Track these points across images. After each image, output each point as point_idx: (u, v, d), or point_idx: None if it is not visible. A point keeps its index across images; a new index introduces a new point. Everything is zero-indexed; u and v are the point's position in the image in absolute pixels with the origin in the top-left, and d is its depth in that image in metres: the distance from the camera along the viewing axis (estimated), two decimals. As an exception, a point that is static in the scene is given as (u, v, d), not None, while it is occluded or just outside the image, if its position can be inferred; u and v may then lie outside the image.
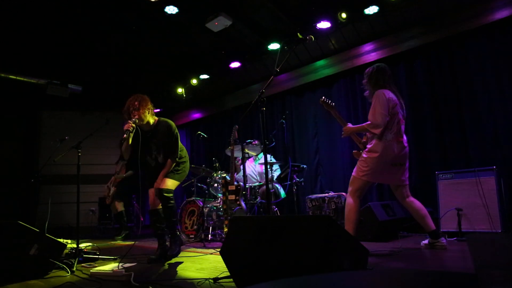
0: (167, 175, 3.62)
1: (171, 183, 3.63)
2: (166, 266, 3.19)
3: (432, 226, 3.34)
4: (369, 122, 3.29)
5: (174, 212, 3.65)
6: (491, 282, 0.67)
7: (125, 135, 3.40)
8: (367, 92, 3.51)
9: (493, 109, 4.61)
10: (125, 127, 3.39)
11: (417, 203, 3.37)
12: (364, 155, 3.36)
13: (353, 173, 3.42)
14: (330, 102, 3.58)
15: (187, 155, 3.95)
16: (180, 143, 3.76)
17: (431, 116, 5.12)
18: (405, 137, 3.39)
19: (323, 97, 3.62)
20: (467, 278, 0.82)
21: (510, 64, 4.52)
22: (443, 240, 3.33)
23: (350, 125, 3.51)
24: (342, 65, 6.04)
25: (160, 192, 3.55)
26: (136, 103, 3.52)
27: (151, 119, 3.64)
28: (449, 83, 5.01)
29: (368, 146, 3.37)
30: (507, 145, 4.44)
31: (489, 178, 4.03)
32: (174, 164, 3.65)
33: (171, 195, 3.62)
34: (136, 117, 3.48)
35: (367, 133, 3.49)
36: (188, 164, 3.92)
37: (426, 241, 3.45)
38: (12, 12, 5.27)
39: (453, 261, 2.92)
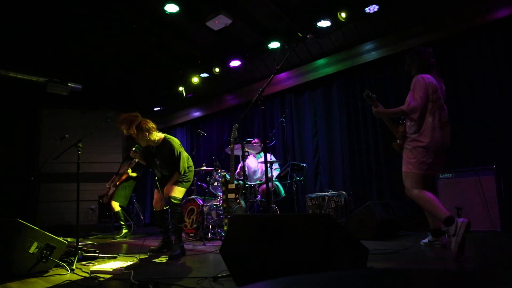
0: (176, 184, 3.91)
1: (179, 191, 3.92)
2: (166, 265, 3.19)
3: (439, 224, 3.24)
4: (405, 105, 3.12)
5: (181, 218, 3.91)
6: (491, 281, 0.67)
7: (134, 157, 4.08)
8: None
9: (493, 109, 4.60)
10: (131, 155, 4.07)
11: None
12: (409, 146, 3.16)
13: (403, 169, 3.20)
14: (373, 95, 3.31)
15: (192, 165, 4.24)
16: (185, 154, 4.12)
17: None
18: (448, 125, 3.21)
19: (367, 91, 3.33)
20: (467, 277, 0.82)
21: (510, 63, 4.51)
22: (443, 240, 3.31)
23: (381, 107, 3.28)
24: (342, 64, 6.03)
25: (169, 199, 3.87)
26: (132, 132, 3.81)
27: (155, 136, 3.98)
28: (449, 82, 5.01)
29: (412, 135, 3.16)
30: (507, 144, 4.44)
31: (489, 177, 4.03)
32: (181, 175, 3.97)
33: (179, 202, 3.91)
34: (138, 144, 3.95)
35: (405, 121, 3.30)
36: (193, 173, 4.23)
37: (425, 240, 3.44)
38: (13, 9, 5.27)
39: (452, 260, 2.92)
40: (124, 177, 6.17)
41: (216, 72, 6.91)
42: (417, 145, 3.10)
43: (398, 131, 3.38)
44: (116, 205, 6.09)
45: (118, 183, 6.17)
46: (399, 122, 3.42)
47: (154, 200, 4.09)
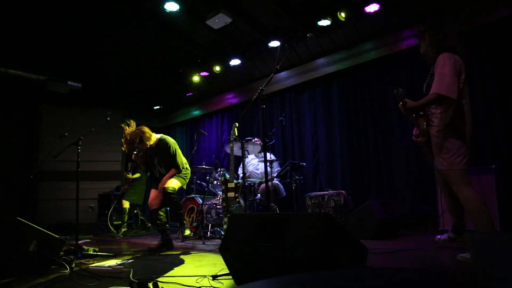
0: (172, 177, 4.11)
1: (175, 183, 4.10)
2: (166, 263, 3.19)
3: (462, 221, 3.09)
4: (435, 93, 2.68)
5: (178, 205, 4.12)
6: (489, 280, 0.67)
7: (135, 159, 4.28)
8: (426, 53, 2.97)
9: (491, 108, 4.60)
10: (133, 158, 4.29)
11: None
12: (445, 139, 2.72)
13: (440, 167, 2.83)
14: (403, 92, 2.92)
15: (188, 166, 4.44)
16: (181, 155, 4.29)
17: (431, 114, 5.12)
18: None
19: (398, 88, 2.92)
20: (466, 277, 0.82)
21: (508, 62, 4.51)
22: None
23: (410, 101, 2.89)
24: (342, 63, 6.03)
25: (164, 189, 4.00)
26: (136, 139, 4.02)
27: (151, 141, 4.14)
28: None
29: (442, 129, 2.72)
30: (505, 144, 4.44)
31: (488, 177, 4.04)
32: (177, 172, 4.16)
33: (174, 191, 4.06)
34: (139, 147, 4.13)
35: (431, 110, 2.86)
36: (190, 173, 4.44)
37: (443, 236, 3.25)
38: (13, 7, 5.26)
39: (451, 259, 2.93)
40: (126, 184, 6.45)
41: (217, 71, 6.90)
42: (454, 136, 2.71)
43: (420, 126, 2.90)
44: (126, 203, 6.29)
45: (126, 187, 6.42)
46: (419, 115, 2.94)
47: (150, 198, 4.16)
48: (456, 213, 3.07)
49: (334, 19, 5.32)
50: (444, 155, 2.75)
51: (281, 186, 5.57)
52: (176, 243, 4.65)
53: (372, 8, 5.03)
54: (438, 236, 3.37)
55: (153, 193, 4.16)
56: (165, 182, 4.05)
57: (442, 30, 2.87)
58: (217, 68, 6.88)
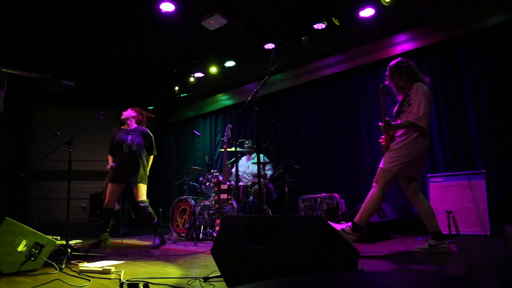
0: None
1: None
2: (157, 264, 3.17)
3: (438, 226, 3.26)
4: (415, 117, 3.23)
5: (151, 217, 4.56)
6: (478, 284, 0.68)
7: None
8: (390, 84, 3.55)
9: (482, 112, 4.65)
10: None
11: (426, 200, 3.38)
12: (401, 145, 3.29)
13: (381, 165, 3.37)
14: (386, 90, 3.47)
15: None
16: None
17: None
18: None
19: (382, 85, 3.46)
20: (455, 281, 0.83)
21: (500, 69, 4.56)
22: (447, 242, 3.23)
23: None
24: (337, 67, 6.06)
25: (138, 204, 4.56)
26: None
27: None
28: (440, 87, 5.05)
29: (405, 137, 3.30)
30: (496, 149, 4.49)
31: (479, 182, 4.08)
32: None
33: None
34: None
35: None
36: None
37: (424, 245, 3.30)
38: (5, 5, 5.21)
39: (441, 263, 2.95)
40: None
41: (213, 72, 6.89)
42: (412, 150, 3.25)
43: (389, 136, 3.47)
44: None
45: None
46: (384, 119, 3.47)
47: (110, 198, 4.61)
48: (427, 218, 3.32)
49: (330, 23, 5.35)
50: (391, 155, 3.32)
51: (272, 187, 5.58)
52: (168, 245, 4.63)
53: (367, 12, 5.06)
54: (420, 246, 3.34)
55: (115, 189, 4.58)
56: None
57: (411, 66, 3.43)
58: (213, 70, 6.87)
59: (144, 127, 4.86)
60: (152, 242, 4.51)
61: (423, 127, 3.21)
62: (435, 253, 3.24)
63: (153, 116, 4.93)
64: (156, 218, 4.59)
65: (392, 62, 3.51)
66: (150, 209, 4.52)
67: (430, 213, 3.28)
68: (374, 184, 3.43)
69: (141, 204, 4.51)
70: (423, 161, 3.38)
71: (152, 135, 4.87)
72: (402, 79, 3.47)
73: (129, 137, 4.63)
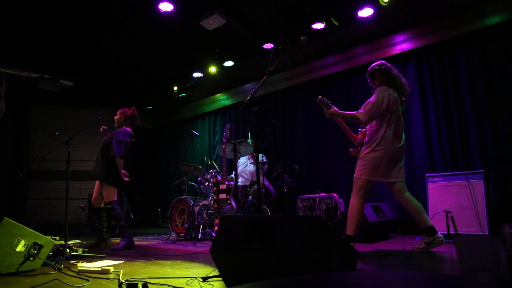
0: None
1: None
2: (156, 264, 3.17)
3: (429, 222, 3.31)
4: (360, 111, 3.35)
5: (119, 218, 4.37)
6: (476, 284, 0.68)
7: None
8: (371, 85, 3.63)
9: (482, 113, 4.66)
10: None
11: (414, 198, 3.38)
12: (364, 153, 3.38)
13: (355, 174, 3.44)
14: (326, 101, 3.61)
15: None
16: None
17: (420, 118, 5.16)
18: (403, 135, 3.45)
19: (320, 96, 3.62)
20: (453, 280, 0.83)
21: (497, 69, 4.57)
22: (440, 234, 3.28)
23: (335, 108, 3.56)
24: (336, 67, 6.06)
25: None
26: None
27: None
28: (436, 88, 5.06)
29: (367, 145, 3.39)
30: (494, 149, 4.50)
31: (477, 182, 4.09)
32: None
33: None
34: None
35: (362, 129, 3.54)
36: None
37: (421, 244, 3.33)
38: (4, 3, 5.20)
39: (440, 263, 2.95)
40: None
41: (212, 72, 6.88)
42: (373, 155, 3.31)
43: (356, 138, 3.58)
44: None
45: None
46: (358, 130, 3.61)
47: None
48: (418, 216, 3.35)
49: (328, 23, 5.35)
50: (359, 163, 3.41)
51: (271, 187, 5.58)
52: (167, 244, 4.63)
53: (366, 12, 5.06)
54: (417, 246, 3.38)
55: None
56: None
57: (386, 71, 3.50)
58: (212, 69, 6.86)
59: (123, 127, 4.59)
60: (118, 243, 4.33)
61: (362, 120, 3.33)
62: (434, 251, 3.24)
63: (130, 112, 4.66)
64: (123, 220, 4.32)
65: (371, 65, 3.59)
66: (117, 211, 4.33)
67: (418, 210, 3.30)
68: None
69: (107, 206, 4.38)
70: (395, 164, 3.36)
71: (121, 134, 4.48)
72: (375, 82, 3.54)
73: (105, 138, 4.59)
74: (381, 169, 3.31)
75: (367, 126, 3.49)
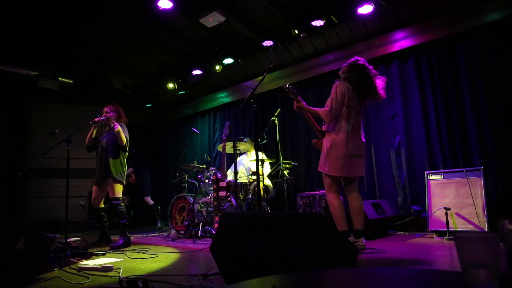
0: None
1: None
2: (156, 262, 3.18)
3: (361, 226, 3.38)
4: (323, 109, 3.42)
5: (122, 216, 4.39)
6: (476, 280, 0.69)
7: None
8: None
9: (481, 110, 4.65)
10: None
11: (361, 199, 3.46)
12: (325, 150, 3.44)
13: (319, 169, 3.49)
14: (293, 89, 3.64)
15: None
16: None
17: (419, 115, 5.16)
18: (363, 131, 3.53)
19: (287, 85, 3.64)
20: (453, 276, 0.83)
21: (497, 66, 4.57)
22: (363, 241, 3.35)
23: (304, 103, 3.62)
24: (336, 64, 6.05)
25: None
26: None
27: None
28: (437, 84, 5.05)
29: (327, 141, 3.44)
30: (494, 146, 4.50)
31: (477, 179, 4.09)
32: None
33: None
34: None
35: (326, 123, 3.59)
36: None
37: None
38: (3, 3, 5.18)
39: (440, 259, 2.96)
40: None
41: (217, 70, 6.84)
42: (334, 151, 3.35)
43: (320, 130, 3.64)
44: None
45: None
46: (322, 123, 3.66)
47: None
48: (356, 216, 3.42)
49: (328, 20, 5.33)
50: (323, 160, 3.45)
51: (272, 186, 5.58)
52: (167, 242, 4.63)
53: (366, 9, 5.05)
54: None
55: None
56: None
57: (354, 67, 3.54)
58: (217, 67, 6.80)
59: (121, 122, 4.72)
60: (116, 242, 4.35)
61: (326, 121, 3.43)
62: (434, 250, 3.25)
63: (118, 107, 4.80)
64: (126, 218, 4.37)
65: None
66: (122, 208, 4.37)
67: (359, 213, 3.38)
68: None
69: (113, 202, 4.38)
70: (358, 158, 3.39)
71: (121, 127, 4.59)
72: (343, 76, 3.58)
73: (106, 137, 4.58)
74: (345, 164, 3.33)
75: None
